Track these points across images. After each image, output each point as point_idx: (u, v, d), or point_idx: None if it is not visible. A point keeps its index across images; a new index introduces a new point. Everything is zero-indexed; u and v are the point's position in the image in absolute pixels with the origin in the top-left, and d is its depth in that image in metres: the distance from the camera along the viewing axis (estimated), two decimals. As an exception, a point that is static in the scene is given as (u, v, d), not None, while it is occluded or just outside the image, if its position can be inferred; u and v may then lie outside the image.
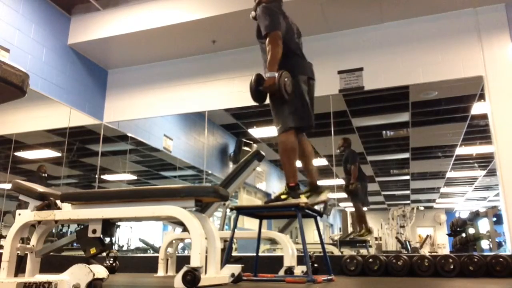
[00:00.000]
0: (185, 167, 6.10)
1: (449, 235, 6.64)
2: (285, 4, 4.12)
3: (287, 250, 3.06)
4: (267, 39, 2.56)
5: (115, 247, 5.97)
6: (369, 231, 5.11)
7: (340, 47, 4.52)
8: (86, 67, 5.10)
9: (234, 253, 3.80)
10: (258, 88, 2.53)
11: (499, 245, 4.52)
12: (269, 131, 5.27)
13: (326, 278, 2.59)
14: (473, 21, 4.11)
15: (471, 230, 5.30)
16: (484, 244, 5.07)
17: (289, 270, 3.02)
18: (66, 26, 4.82)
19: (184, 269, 1.69)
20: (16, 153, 4.65)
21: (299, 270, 3.01)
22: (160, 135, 5.67)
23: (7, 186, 4.17)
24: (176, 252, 3.71)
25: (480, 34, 4.06)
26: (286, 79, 2.46)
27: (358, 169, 5.29)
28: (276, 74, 2.44)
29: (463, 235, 5.63)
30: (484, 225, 5.09)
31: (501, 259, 3.32)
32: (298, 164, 2.65)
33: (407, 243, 6.10)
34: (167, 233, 3.69)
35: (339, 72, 4.37)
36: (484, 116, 4.00)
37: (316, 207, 2.71)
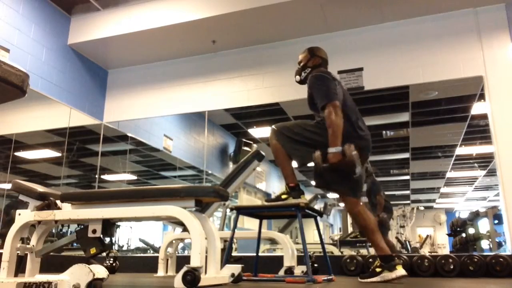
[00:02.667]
0: (185, 167, 6.09)
1: (449, 235, 6.64)
2: (285, 4, 4.12)
3: (287, 250, 3.06)
4: (326, 111, 2.42)
5: (115, 247, 5.97)
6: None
7: (340, 47, 4.52)
8: (86, 67, 5.10)
9: (234, 253, 3.80)
10: (323, 166, 2.35)
11: (499, 245, 4.52)
12: (269, 131, 5.26)
13: (326, 278, 2.59)
14: (473, 21, 4.11)
15: (471, 230, 5.30)
16: (484, 244, 5.07)
17: (289, 270, 3.02)
18: (66, 26, 4.82)
19: (184, 269, 1.69)
20: (16, 153, 4.65)
21: (299, 270, 3.01)
22: (160, 135, 5.67)
23: (7, 186, 4.17)
24: (176, 252, 3.71)
25: (480, 34, 4.06)
26: (354, 152, 2.31)
27: (384, 199, 5.02)
28: (341, 149, 2.32)
29: (463, 235, 5.63)
30: (484, 225, 5.09)
31: (501, 259, 3.32)
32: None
33: (407, 243, 6.10)
34: (167, 233, 3.70)
35: (339, 72, 4.36)
36: (484, 116, 4.00)
37: (316, 207, 2.71)
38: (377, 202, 4.83)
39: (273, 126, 2.64)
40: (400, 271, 2.39)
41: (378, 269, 2.44)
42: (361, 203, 2.55)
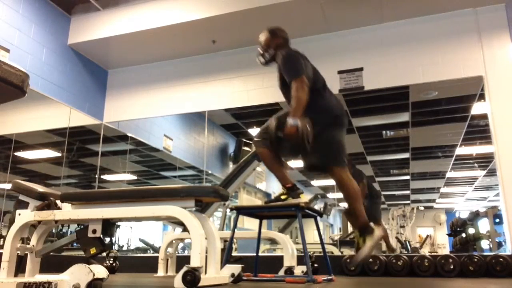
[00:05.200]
0: (185, 167, 6.10)
1: (449, 235, 6.64)
2: (285, 4, 4.12)
3: (287, 250, 3.06)
4: (293, 86, 2.43)
5: (115, 247, 5.97)
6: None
7: (340, 47, 4.52)
8: (86, 67, 5.10)
9: (234, 253, 3.80)
10: (277, 134, 2.42)
11: (499, 245, 4.52)
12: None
13: (326, 278, 2.59)
14: (473, 21, 4.10)
15: (471, 230, 5.30)
16: (484, 244, 5.07)
17: (289, 270, 3.02)
18: (66, 26, 4.82)
19: (184, 269, 1.69)
20: (16, 153, 4.65)
21: (299, 270, 3.01)
22: (160, 135, 5.67)
23: (7, 186, 4.17)
24: (176, 252, 3.71)
25: (480, 34, 4.06)
26: (308, 128, 2.33)
27: (369, 186, 5.05)
28: (299, 122, 2.31)
29: (463, 235, 5.63)
30: (484, 225, 5.09)
31: (501, 259, 3.32)
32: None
33: (407, 243, 6.10)
34: (167, 233, 3.70)
35: (339, 72, 4.36)
36: (484, 116, 4.00)
37: (316, 207, 2.72)
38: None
39: (254, 138, 2.66)
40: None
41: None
42: (347, 171, 2.54)
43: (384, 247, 5.46)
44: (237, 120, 5.97)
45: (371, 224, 2.49)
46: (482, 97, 4.06)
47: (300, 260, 3.12)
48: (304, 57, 2.63)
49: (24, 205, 2.03)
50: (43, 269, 2.05)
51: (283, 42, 2.76)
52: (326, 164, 2.57)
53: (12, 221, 1.91)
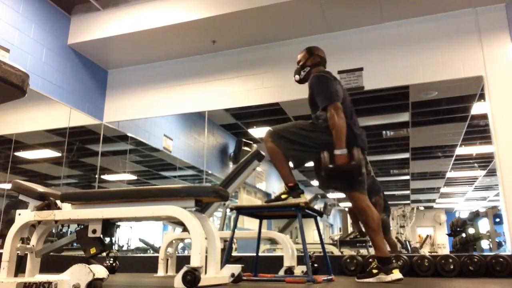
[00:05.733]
0: (185, 167, 6.10)
1: (449, 235, 6.65)
2: (285, 4, 4.12)
3: (287, 250, 3.06)
4: (329, 112, 2.42)
5: (115, 247, 5.97)
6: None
7: (340, 47, 4.52)
8: (86, 67, 5.10)
9: (234, 253, 3.80)
10: (330, 168, 2.36)
11: (499, 245, 4.53)
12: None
13: (326, 278, 2.59)
14: (473, 21, 4.11)
15: (471, 230, 5.31)
16: (484, 244, 5.07)
17: (289, 270, 3.02)
18: (66, 26, 4.82)
19: (184, 269, 1.69)
20: (16, 153, 4.65)
21: (299, 270, 3.01)
22: (160, 135, 5.67)
23: (7, 186, 4.17)
24: (176, 252, 3.71)
25: (480, 34, 4.06)
26: (360, 155, 2.35)
27: (384, 199, 5.01)
28: (346, 150, 2.34)
29: (463, 235, 5.64)
30: (484, 225, 5.09)
31: (501, 259, 3.32)
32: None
33: (407, 243, 6.11)
34: (167, 233, 3.69)
35: (339, 72, 4.36)
36: (484, 116, 4.00)
37: (316, 207, 2.71)
38: (376, 203, 4.80)
39: (269, 128, 2.64)
40: (396, 275, 2.41)
41: (374, 271, 2.47)
42: (367, 199, 2.57)
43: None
44: (237, 120, 5.97)
45: (393, 262, 2.47)
46: (482, 97, 4.06)
47: (300, 260, 3.12)
48: (337, 80, 2.64)
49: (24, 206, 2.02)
50: (43, 269, 2.05)
51: (319, 61, 2.77)
52: (348, 190, 2.60)
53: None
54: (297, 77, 2.80)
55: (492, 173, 4.27)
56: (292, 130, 2.57)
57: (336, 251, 5.07)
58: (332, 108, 2.42)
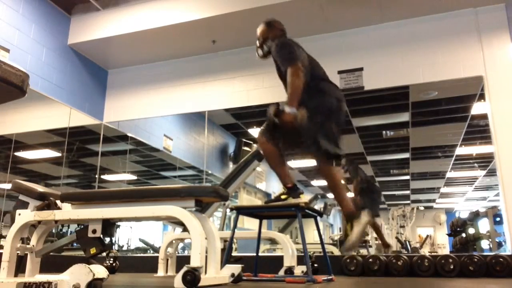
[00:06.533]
0: (185, 167, 6.10)
1: (449, 235, 6.64)
2: (285, 4, 4.12)
3: (287, 250, 3.06)
4: (288, 73, 2.41)
5: (115, 247, 5.97)
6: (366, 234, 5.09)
7: (340, 47, 4.52)
8: (86, 67, 5.10)
9: (234, 253, 3.80)
10: (275, 121, 2.38)
11: (499, 245, 4.52)
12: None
13: (326, 278, 2.59)
14: (473, 21, 4.11)
15: (471, 230, 5.30)
16: (484, 244, 5.07)
17: (289, 270, 3.02)
18: (66, 26, 4.82)
19: (184, 269, 1.69)
20: (16, 153, 4.65)
21: (299, 270, 3.01)
22: (160, 135, 5.67)
23: (7, 186, 4.17)
24: (176, 252, 3.71)
25: (480, 34, 4.06)
26: (304, 118, 2.32)
27: (364, 180, 5.08)
28: (296, 111, 2.30)
29: (463, 235, 5.64)
30: (484, 225, 5.09)
31: (501, 259, 3.32)
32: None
33: (407, 243, 6.10)
34: (167, 233, 3.69)
35: (339, 72, 4.36)
36: (484, 116, 4.00)
37: (316, 207, 2.71)
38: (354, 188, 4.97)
39: (261, 127, 2.64)
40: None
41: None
42: (332, 164, 2.50)
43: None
44: (237, 120, 5.97)
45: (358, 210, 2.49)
46: (482, 97, 4.06)
47: (300, 260, 3.12)
48: (298, 45, 2.62)
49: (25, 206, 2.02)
50: (43, 269, 2.05)
51: (280, 34, 2.75)
52: (314, 152, 2.54)
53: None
54: (260, 52, 2.76)
55: (492, 173, 4.27)
56: (269, 111, 2.49)
57: (336, 251, 5.07)
58: (292, 67, 2.41)
